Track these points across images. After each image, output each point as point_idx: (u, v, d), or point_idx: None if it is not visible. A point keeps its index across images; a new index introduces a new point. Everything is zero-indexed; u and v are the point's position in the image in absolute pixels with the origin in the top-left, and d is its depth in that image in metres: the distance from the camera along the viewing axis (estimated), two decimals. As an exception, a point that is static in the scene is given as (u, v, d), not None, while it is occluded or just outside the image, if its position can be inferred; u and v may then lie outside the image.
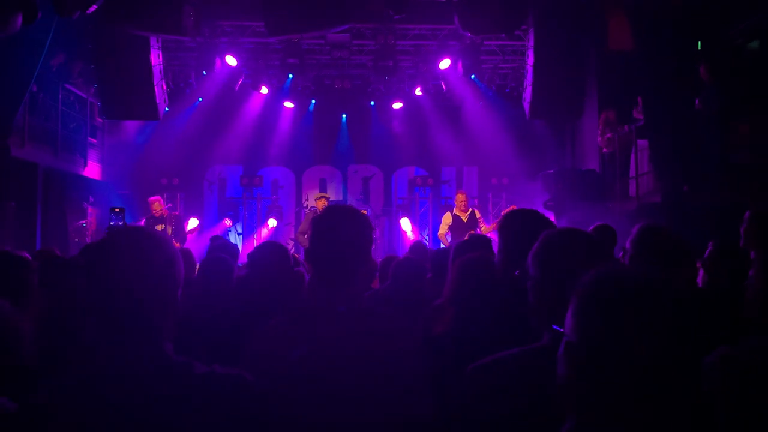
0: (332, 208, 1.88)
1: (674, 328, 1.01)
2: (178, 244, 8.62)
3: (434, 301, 2.87)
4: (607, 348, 1.02)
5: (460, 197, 9.23)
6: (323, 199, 10.09)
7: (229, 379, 1.35)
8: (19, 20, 4.98)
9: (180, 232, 8.92)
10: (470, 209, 9.16)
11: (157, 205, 8.88)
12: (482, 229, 8.86)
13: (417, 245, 5.75)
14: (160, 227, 8.73)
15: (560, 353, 1.11)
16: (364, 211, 5.67)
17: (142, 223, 8.84)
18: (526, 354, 1.55)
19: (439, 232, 9.27)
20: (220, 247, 3.85)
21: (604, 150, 9.64)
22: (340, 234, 1.76)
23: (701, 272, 3.08)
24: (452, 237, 8.89)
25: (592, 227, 4.12)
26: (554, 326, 1.40)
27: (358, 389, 1.62)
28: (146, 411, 1.23)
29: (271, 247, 2.79)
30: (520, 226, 2.13)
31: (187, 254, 4.66)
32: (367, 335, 1.70)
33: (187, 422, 1.25)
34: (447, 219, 9.15)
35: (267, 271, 2.64)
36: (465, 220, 8.98)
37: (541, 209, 9.55)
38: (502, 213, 8.98)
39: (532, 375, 1.47)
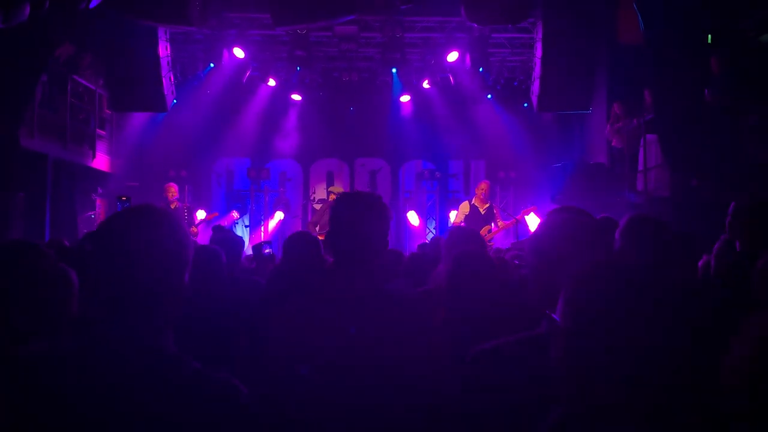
0: (349, 195, 1.89)
1: (664, 318, 1.01)
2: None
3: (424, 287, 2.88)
4: (596, 336, 1.02)
5: (483, 186, 8.67)
6: (334, 195, 10.13)
7: (221, 384, 1.25)
8: (27, 10, 5.00)
9: (191, 223, 9.22)
10: (489, 202, 8.65)
11: (173, 190, 9.30)
12: (498, 224, 8.43)
13: (435, 240, 5.59)
14: None
15: (552, 340, 1.11)
16: None
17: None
18: (525, 340, 1.55)
19: (453, 221, 8.87)
20: (221, 241, 3.83)
21: (613, 143, 9.57)
22: (358, 220, 1.77)
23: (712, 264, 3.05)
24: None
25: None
26: (550, 313, 1.39)
27: (379, 373, 1.63)
28: (124, 394, 1.18)
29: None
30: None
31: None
32: (388, 316, 1.72)
33: (164, 414, 1.19)
34: (464, 208, 8.61)
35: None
36: (483, 212, 8.45)
37: (548, 202, 9.52)
38: (522, 212, 8.82)
39: (530, 361, 1.47)
